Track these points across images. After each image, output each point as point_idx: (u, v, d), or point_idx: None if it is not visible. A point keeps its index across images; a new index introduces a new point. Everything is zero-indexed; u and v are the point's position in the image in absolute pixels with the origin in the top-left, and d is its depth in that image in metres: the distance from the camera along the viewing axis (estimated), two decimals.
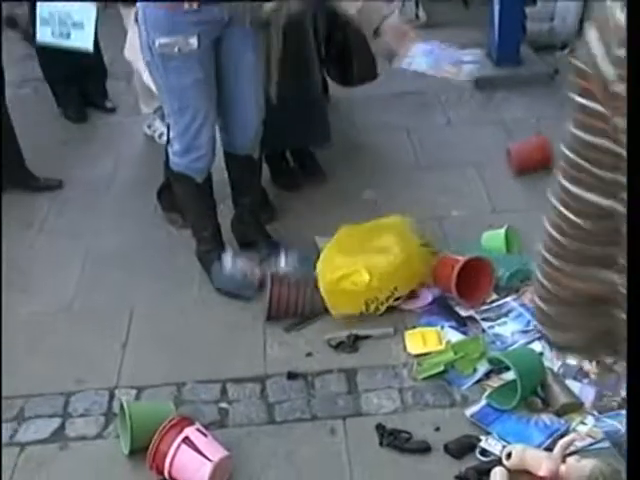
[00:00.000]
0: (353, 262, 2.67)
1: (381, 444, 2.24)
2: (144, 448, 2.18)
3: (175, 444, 2.14)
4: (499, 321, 2.63)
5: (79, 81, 4.06)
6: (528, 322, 2.58)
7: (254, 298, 2.81)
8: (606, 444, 2.15)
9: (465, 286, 2.66)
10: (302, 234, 3.09)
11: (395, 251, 2.68)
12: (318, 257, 2.76)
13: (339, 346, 2.59)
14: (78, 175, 3.60)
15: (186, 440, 2.15)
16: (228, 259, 2.85)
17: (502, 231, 2.92)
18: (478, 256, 2.71)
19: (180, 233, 3.12)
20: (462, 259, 2.65)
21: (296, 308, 2.71)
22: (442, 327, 2.62)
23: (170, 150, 2.73)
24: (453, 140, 3.74)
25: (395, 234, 2.75)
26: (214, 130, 2.69)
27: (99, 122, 4.11)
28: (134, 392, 2.48)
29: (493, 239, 2.93)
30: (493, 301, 2.70)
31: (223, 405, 2.43)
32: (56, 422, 2.39)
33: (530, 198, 3.17)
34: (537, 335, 2.49)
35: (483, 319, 2.65)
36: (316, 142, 3.36)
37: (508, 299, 2.71)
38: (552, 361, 2.42)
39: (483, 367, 2.44)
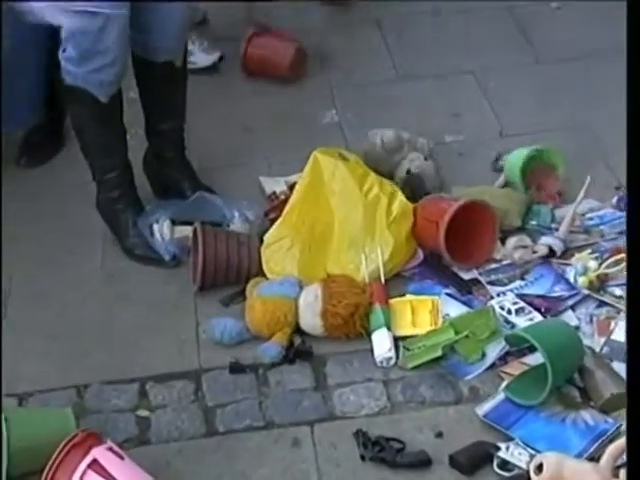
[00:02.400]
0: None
1: (363, 458, 2.23)
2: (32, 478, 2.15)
3: (79, 471, 2.09)
4: (513, 285, 2.64)
5: None
6: (554, 284, 2.60)
7: (180, 265, 2.83)
8: None
9: (461, 241, 2.68)
10: (241, 173, 3.13)
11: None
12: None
13: None
14: None
15: (94, 465, 2.10)
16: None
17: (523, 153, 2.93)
18: (472, 200, 2.71)
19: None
20: (449, 209, 2.65)
21: (238, 274, 2.71)
22: (438, 295, 2.63)
23: (62, 56, 2.66)
24: (443, 37, 3.75)
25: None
26: (126, 28, 2.64)
27: None
28: (14, 400, 2.44)
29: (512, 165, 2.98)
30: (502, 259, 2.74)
31: (143, 413, 2.41)
32: None
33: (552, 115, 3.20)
34: (571, 301, 2.52)
35: (490, 283, 2.67)
36: None
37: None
38: (593, 337, 2.43)
39: (496, 349, 2.44)
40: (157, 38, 2.78)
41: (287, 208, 2.78)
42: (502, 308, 2.52)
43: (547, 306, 2.55)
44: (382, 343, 2.46)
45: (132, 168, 2.91)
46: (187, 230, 2.81)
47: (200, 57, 3.68)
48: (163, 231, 2.83)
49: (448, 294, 2.62)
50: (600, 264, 2.58)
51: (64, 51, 2.65)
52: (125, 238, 2.86)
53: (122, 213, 2.88)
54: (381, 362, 2.43)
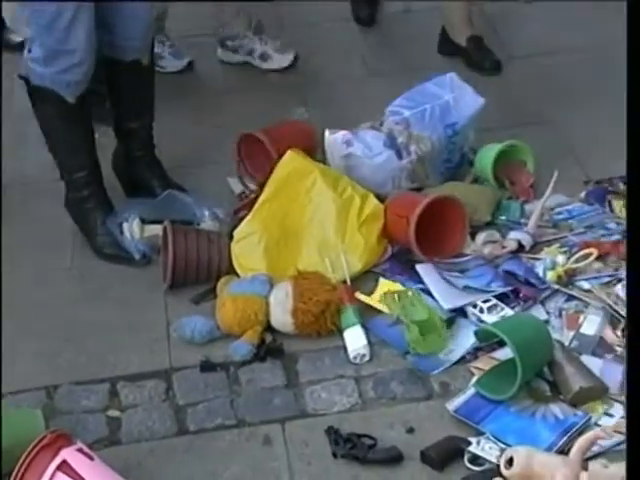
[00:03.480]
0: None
1: (335, 455, 2.23)
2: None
3: (48, 473, 2.06)
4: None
5: None
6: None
7: (150, 263, 2.84)
8: None
9: (432, 236, 2.69)
10: (211, 171, 3.13)
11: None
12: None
13: None
14: None
15: (63, 466, 2.08)
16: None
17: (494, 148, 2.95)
18: (442, 195, 2.73)
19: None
20: (419, 205, 2.65)
21: (208, 272, 2.72)
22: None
23: (28, 57, 2.64)
24: (413, 35, 3.76)
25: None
26: (92, 27, 2.62)
27: None
28: None
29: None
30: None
31: (113, 413, 2.41)
32: None
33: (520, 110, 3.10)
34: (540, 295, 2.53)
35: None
36: None
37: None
38: (562, 331, 2.44)
39: (464, 344, 2.45)
40: (123, 37, 2.76)
41: (257, 204, 2.78)
42: (474, 307, 2.52)
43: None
44: (356, 340, 2.46)
45: (100, 167, 2.90)
46: (157, 229, 2.80)
47: (170, 62, 3.68)
48: (133, 230, 2.83)
49: (421, 289, 2.61)
50: (568, 258, 2.58)
51: (30, 51, 2.64)
52: (94, 237, 2.85)
53: (91, 212, 2.86)
54: (355, 358, 2.43)
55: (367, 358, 2.44)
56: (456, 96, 2.98)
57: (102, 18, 2.68)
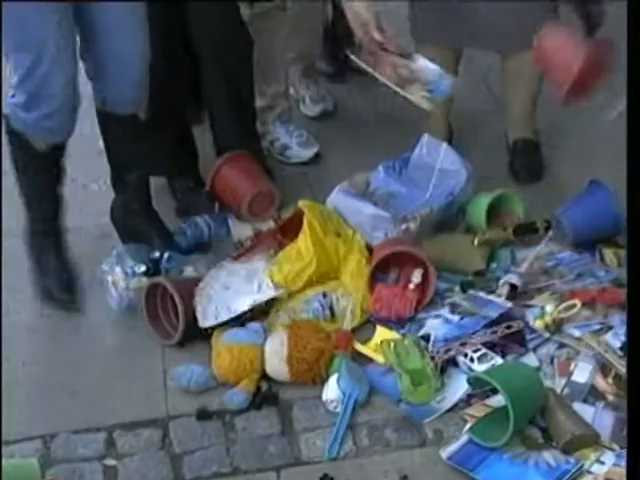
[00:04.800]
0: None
1: None
2: None
3: None
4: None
5: None
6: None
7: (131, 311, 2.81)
8: None
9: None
10: None
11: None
12: None
13: None
14: None
15: None
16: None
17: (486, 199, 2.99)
18: (404, 250, 2.79)
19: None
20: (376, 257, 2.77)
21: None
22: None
23: (10, 102, 2.65)
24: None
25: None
26: (72, 74, 2.60)
27: None
28: None
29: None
30: None
31: (110, 462, 2.39)
32: None
33: None
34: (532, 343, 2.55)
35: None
36: None
37: None
38: (554, 378, 2.44)
39: (456, 392, 2.45)
40: (114, 89, 2.73)
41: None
42: (465, 356, 2.52)
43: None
44: (331, 388, 2.46)
45: (60, 205, 2.87)
46: (143, 281, 2.79)
47: (297, 152, 3.43)
48: (118, 282, 2.80)
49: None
50: (557, 306, 2.59)
51: (13, 96, 2.64)
52: (43, 276, 2.85)
53: (43, 248, 2.85)
54: (328, 405, 2.44)
55: (338, 409, 2.43)
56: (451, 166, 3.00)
57: (93, 68, 2.67)
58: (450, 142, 3.25)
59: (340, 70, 3.79)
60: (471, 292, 2.72)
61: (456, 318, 2.65)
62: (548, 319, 2.55)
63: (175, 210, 3.14)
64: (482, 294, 2.69)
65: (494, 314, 2.59)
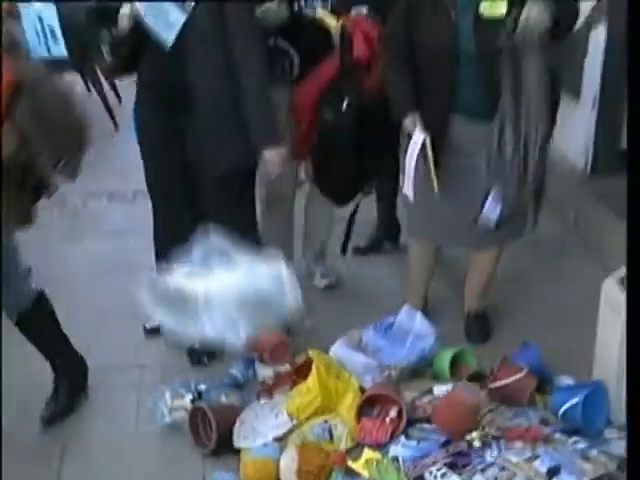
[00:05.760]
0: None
1: None
2: None
3: None
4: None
5: None
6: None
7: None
8: None
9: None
10: None
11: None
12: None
13: None
14: None
15: None
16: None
17: (449, 353, 3.41)
18: (384, 393, 3.19)
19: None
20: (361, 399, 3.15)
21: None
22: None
23: None
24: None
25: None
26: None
27: None
28: None
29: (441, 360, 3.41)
30: None
31: None
32: None
33: None
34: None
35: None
36: None
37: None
38: None
39: None
40: (5, 298, 2.82)
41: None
42: (430, 473, 2.79)
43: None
44: None
45: None
46: (186, 403, 3.24)
47: (318, 280, 4.19)
48: (166, 401, 3.23)
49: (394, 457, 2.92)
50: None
51: None
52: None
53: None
54: None
55: None
56: (423, 331, 3.44)
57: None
58: (425, 309, 3.81)
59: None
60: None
61: (414, 443, 3.00)
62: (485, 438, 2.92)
63: None
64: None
65: (443, 438, 2.96)
